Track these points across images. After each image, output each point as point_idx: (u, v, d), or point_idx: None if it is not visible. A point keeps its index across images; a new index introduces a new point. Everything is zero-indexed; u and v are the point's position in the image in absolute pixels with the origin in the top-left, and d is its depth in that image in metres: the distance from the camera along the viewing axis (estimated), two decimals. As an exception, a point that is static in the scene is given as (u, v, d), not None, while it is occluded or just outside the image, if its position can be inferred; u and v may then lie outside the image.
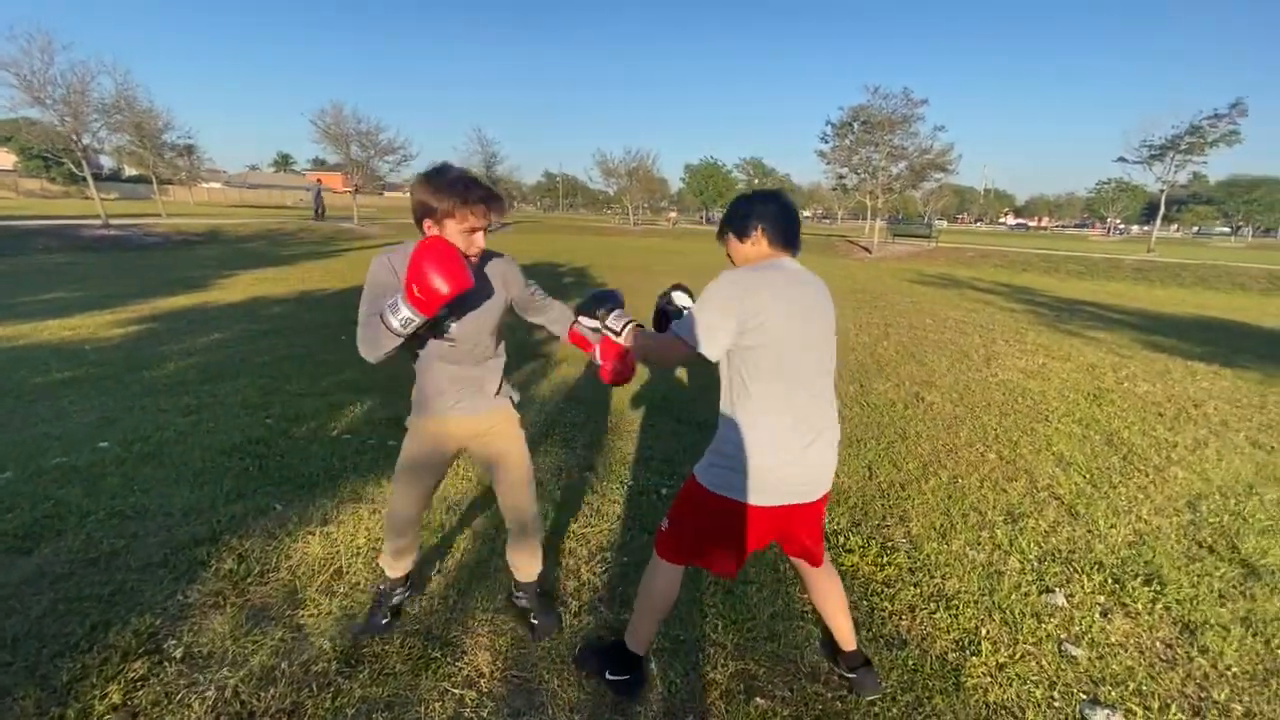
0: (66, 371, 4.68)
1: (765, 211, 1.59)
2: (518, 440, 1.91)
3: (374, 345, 1.54)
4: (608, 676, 1.80)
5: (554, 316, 1.97)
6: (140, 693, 1.72)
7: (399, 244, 1.58)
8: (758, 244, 1.59)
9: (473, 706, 1.72)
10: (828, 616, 1.84)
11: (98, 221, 16.79)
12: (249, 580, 2.23)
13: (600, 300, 1.82)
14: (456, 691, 1.78)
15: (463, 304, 1.64)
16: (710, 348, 1.48)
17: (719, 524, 1.58)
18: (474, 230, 1.55)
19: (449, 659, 1.90)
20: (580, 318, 1.84)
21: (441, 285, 1.40)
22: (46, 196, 41.24)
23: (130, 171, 43.34)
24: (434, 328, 1.65)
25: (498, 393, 1.86)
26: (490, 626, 2.06)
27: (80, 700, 1.68)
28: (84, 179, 17.64)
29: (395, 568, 2.01)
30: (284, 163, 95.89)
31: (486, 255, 1.69)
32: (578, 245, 22.91)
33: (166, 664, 1.83)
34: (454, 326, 1.67)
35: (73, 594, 2.12)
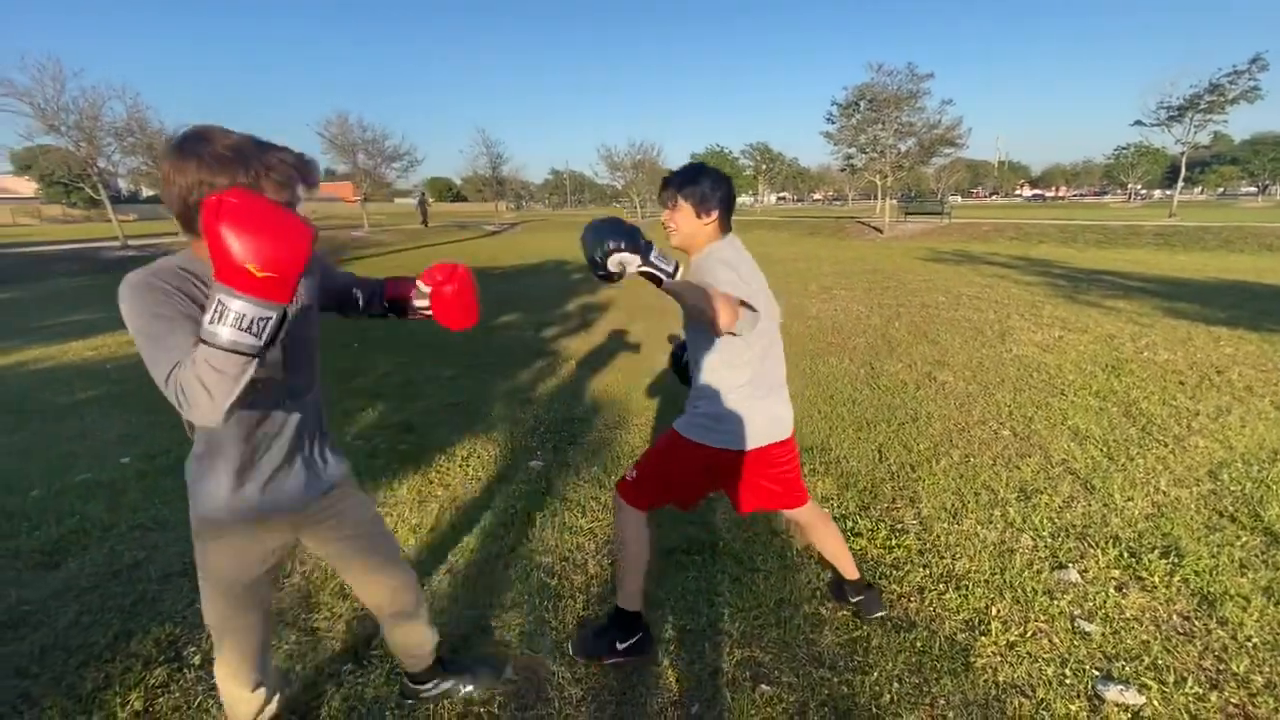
0: (90, 390, 4.82)
1: (725, 194, 1.65)
2: (368, 504, 1.50)
3: (214, 391, 0.92)
4: (618, 647, 1.84)
5: (362, 286, 1.49)
6: (161, 699, 1.78)
7: (163, 260, 1.12)
8: (711, 223, 1.66)
9: (482, 703, 1.75)
10: (829, 555, 2.01)
11: (117, 243, 17.18)
12: (264, 586, 2.28)
13: (623, 234, 1.44)
14: (467, 691, 1.80)
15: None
16: (757, 318, 1.56)
17: (695, 473, 1.77)
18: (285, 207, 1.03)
19: (460, 656, 1.92)
20: (610, 256, 1.43)
21: (292, 242, 0.89)
22: (68, 221, 42.26)
23: (147, 192, 44.17)
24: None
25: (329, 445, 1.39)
26: (499, 623, 2.08)
27: (104, 708, 1.74)
28: (102, 202, 18.05)
29: None
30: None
31: None
32: (587, 241, 22.89)
33: (186, 671, 1.88)
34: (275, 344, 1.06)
35: (97, 605, 2.19)
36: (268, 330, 0.91)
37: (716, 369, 1.68)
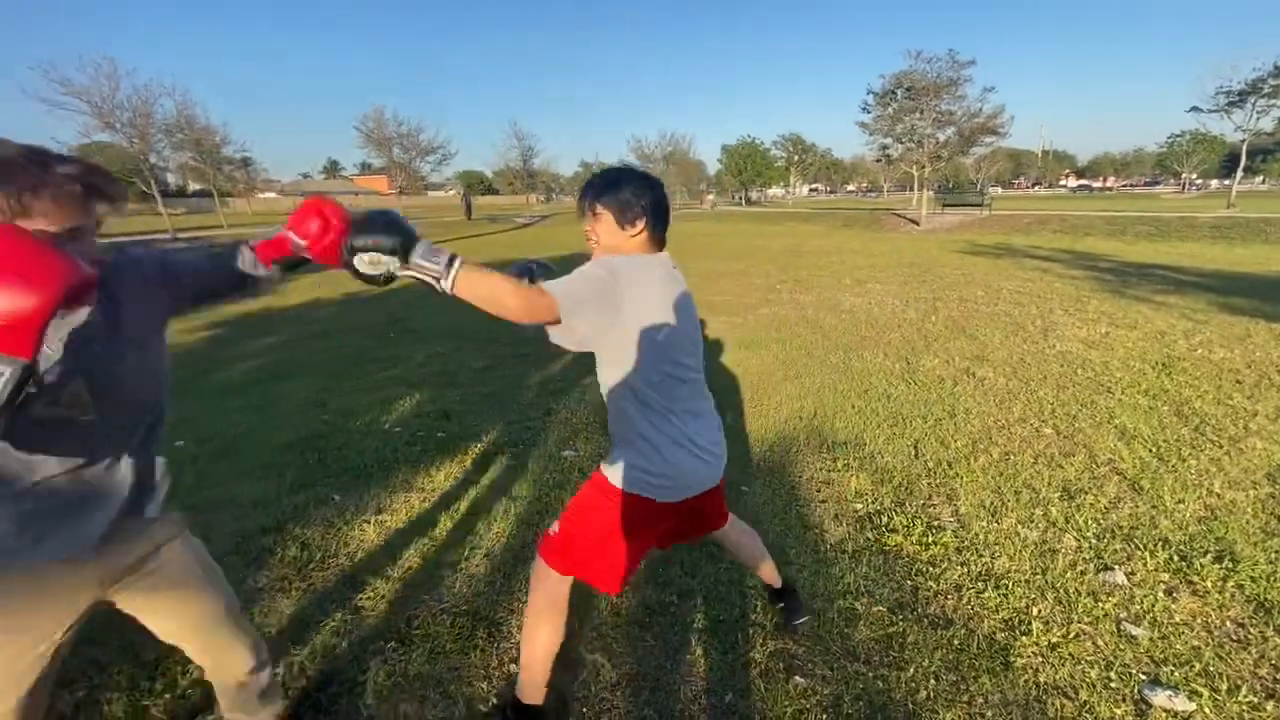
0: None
1: (653, 201, 1.42)
2: (201, 563, 1.30)
3: None
4: None
5: (238, 263, 1.23)
6: (217, 669, 1.86)
7: None
8: (637, 236, 1.43)
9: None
10: (749, 564, 1.93)
11: (167, 236, 17.88)
12: (311, 566, 2.37)
13: (379, 229, 1.12)
14: (504, 668, 1.85)
15: (89, 340, 0.98)
16: (570, 319, 1.27)
17: (626, 525, 1.46)
18: (73, 231, 0.91)
19: (496, 638, 1.98)
20: (357, 253, 1.12)
21: (34, 291, 0.72)
22: (121, 215, 43.93)
23: (194, 186, 45.77)
24: (47, 394, 0.94)
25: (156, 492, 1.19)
26: (535, 608, 2.13)
27: (167, 675, 1.83)
28: (153, 196, 18.79)
29: None
30: (333, 169, 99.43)
31: (116, 258, 1.08)
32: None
33: (240, 643, 1.97)
34: (84, 382, 0.98)
35: (156, 580, 2.30)
36: (5, 388, 0.74)
37: (617, 399, 1.44)
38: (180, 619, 1.26)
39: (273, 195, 63.87)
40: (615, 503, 1.47)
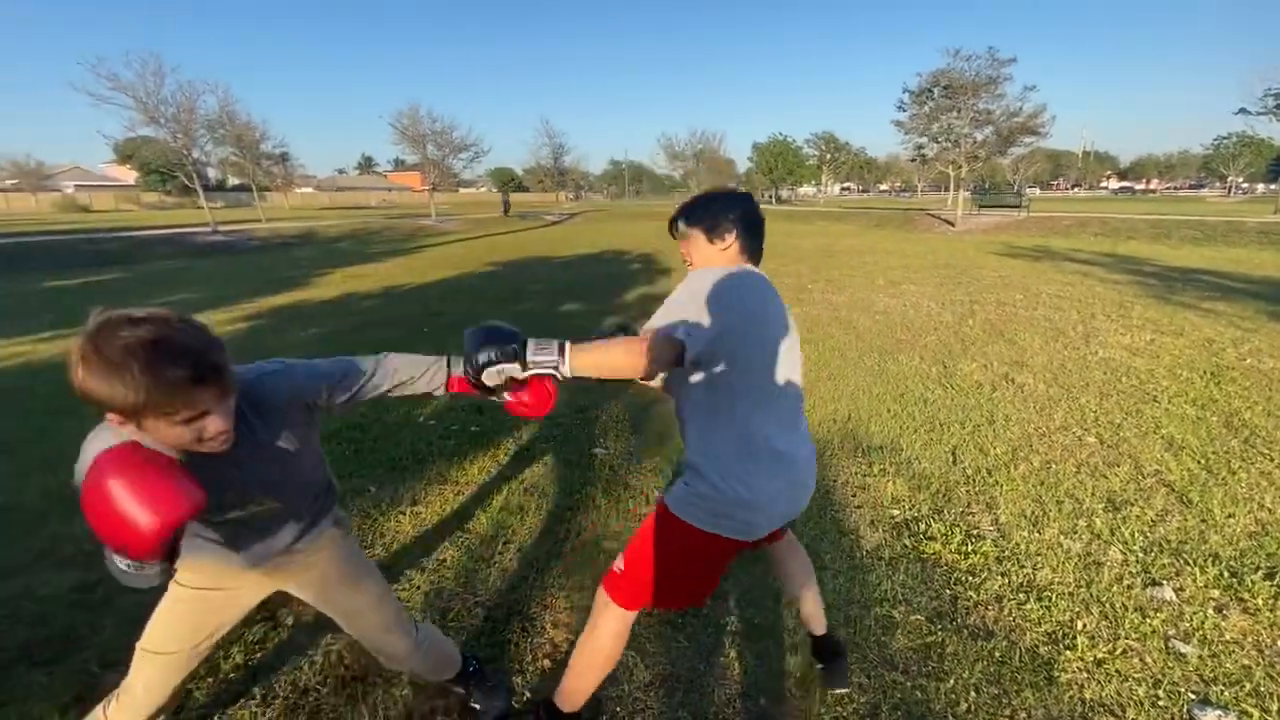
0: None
1: (742, 213, 1.41)
2: (353, 554, 1.46)
3: (136, 582, 1.00)
4: None
5: (405, 374, 1.36)
6: (259, 655, 1.92)
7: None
8: (728, 249, 1.41)
9: (551, 677, 1.81)
10: (793, 591, 1.70)
11: (208, 228, 18.39)
12: (349, 555, 2.42)
13: (495, 341, 1.20)
14: (537, 663, 1.87)
15: (240, 463, 1.10)
16: (694, 345, 1.19)
17: (697, 563, 1.39)
18: (194, 420, 0.95)
19: (529, 633, 1.99)
20: (483, 372, 1.19)
21: (140, 528, 0.86)
22: (163, 208, 45.55)
23: (233, 181, 47.06)
24: (214, 515, 1.16)
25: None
26: (567, 603, 2.14)
27: (209, 659, 1.88)
28: (195, 190, 19.35)
29: None
30: (367, 165, 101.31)
31: (252, 384, 1.13)
32: (643, 231, 22.92)
33: (280, 630, 2.02)
34: (240, 503, 1.16)
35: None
36: (148, 570, 0.98)
37: (700, 427, 1.33)
38: (335, 607, 1.43)
39: (309, 190, 65.34)
40: (678, 546, 1.36)
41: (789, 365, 1.34)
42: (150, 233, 18.42)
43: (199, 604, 1.27)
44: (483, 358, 1.18)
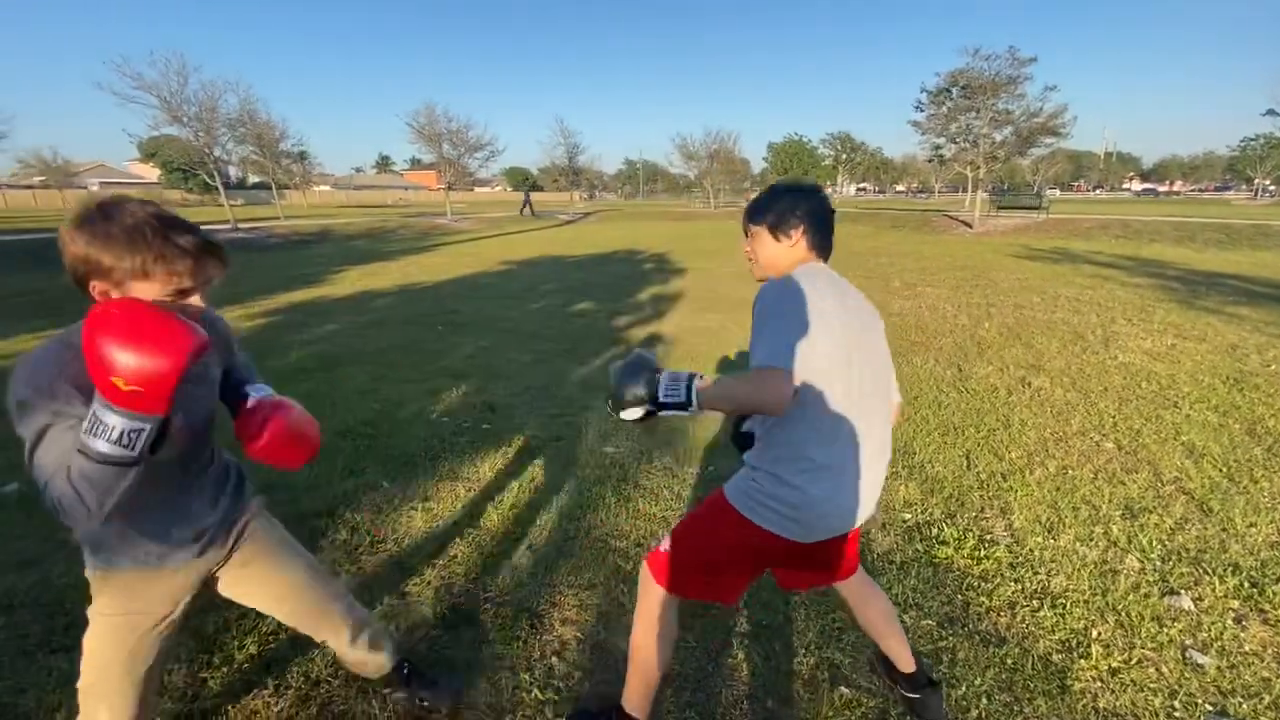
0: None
1: (810, 208, 1.36)
2: (281, 537, 1.44)
3: (96, 493, 0.93)
4: None
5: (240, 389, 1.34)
6: (272, 646, 1.94)
7: (42, 348, 1.02)
8: (796, 246, 1.37)
9: (559, 675, 1.82)
10: (877, 636, 1.61)
11: (228, 226, 18.64)
12: (360, 550, 2.45)
13: (638, 380, 1.24)
14: (546, 660, 1.88)
15: (193, 390, 1.16)
16: (801, 366, 1.18)
17: (743, 557, 1.39)
18: (185, 293, 1.03)
19: (538, 630, 2.00)
20: (624, 411, 1.25)
21: (165, 357, 0.88)
22: (186, 205, 46.19)
23: (253, 179, 47.69)
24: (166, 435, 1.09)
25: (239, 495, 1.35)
26: (575, 601, 2.15)
27: (224, 650, 1.92)
28: (216, 188, 19.65)
29: None
30: (384, 164, 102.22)
31: (207, 313, 1.13)
32: (657, 231, 22.92)
33: (295, 621, 2.05)
34: (188, 427, 1.15)
35: (218, 556, 2.41)
36: (141, 442, 0.91)
37: (774, 431, 1.31)
38: (267, 590, 1.39)
39: (326, 188, 66.10)
40: (725, 538, 1.37)
41: (850, 372, 1.26)
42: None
43: (125, 630, 1.19)
44: (628, 395, 1.23)
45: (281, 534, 1.44)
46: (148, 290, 0.99)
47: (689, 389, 1.19)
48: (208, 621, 2.04)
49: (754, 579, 1.48)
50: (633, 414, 1.24)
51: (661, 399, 1.21)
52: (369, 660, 1.57)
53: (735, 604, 1.46)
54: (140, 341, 0.87)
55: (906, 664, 1.61)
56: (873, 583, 1.63)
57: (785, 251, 1.38)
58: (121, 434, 0.89)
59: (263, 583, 1.38)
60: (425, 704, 1.66)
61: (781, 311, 1.22)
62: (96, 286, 0.98)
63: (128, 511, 1.11)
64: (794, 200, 1.37)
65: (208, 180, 19.80)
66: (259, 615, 2.04)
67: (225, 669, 1.85)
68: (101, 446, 0.89)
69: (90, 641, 1.18)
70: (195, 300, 1.05)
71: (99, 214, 0.97)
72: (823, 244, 1.40)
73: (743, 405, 1.22)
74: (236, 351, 1.37)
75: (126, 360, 0.86)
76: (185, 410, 1.13)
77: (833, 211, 1.42)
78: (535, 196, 33.13)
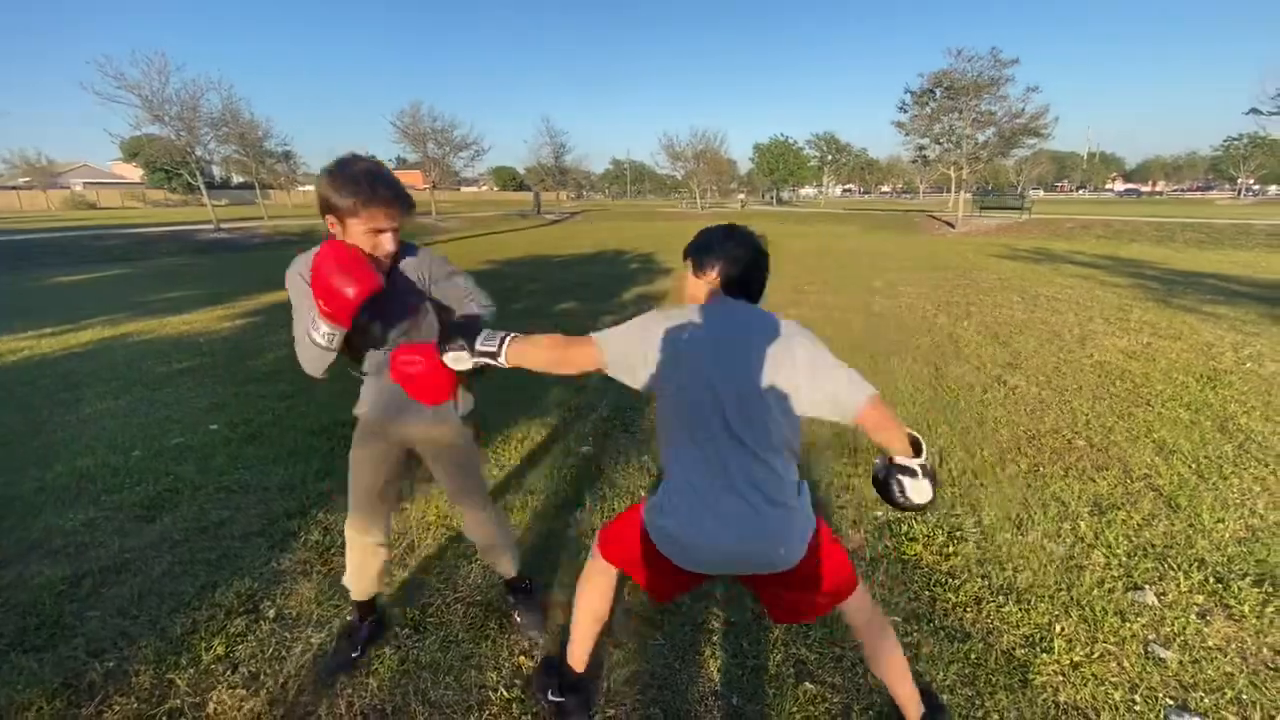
0: (185, 362, 5.22)
1: (729, 251, 1.39)
2: (464, 452, 1.83)
3: (314, 364, 1.48)
4: (549, 697, 1.67)
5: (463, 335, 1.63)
6: (240, 647, 1.92)
7: (308, 251, 1.47)
8: (710, 282, 1.40)
9: (528, 673, 1.81)
10: (887, 680, 1.54)
11: (210, 226, 18.45)
12: (332, 551, 2.43)
13: (470, 329, 1.47)
14: (513, 660, 1.87)
15: (385, 308, 1.54)
16: (612, 361, 1.39)
17: (651, 564, 1.45)
18: (380, 232, 1.43)
19: (507, 629, 2.00)
20: (451, 354, 1.45)
21: (345, 291, 1.31)
22: (169, 205, 45.74)
23: (237, 179, 47.20)
24: (365, 336, 1.58)
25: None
26: (545, 600, 2.14)
27: (191, 650, 1.90)
28: (199, 188, 19.41)
29: (358, 587, 1.89)
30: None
31: (404, 250, 1.57)
32: (644, 231, 22.93)
33: (262, 622, 2.03)
34: (382, 332, 1.58)
35: (186, 558, 2.39)
36: (336, 341, 1.44)
37: (661, 451, 1.43)
38: (443, 481, 1.86)
39: (311, 188, 65.44)
40: (638, 534, 1.46)
41: (704, 404, 1.29)
42: (154, 229, 18.48)
43: (367, 453, 1.75)
44: (445, 345, 1.46)
45: (468, 458, 1.87)
46: (356, 225, 1.39)
47: (502, 341, 1.43)
48: (176, 622, 2.02)
49: (681, 588, 1.52)
50: (459, 361, 1.45)
51: (479, 346, 1.43)
52: (500, 552, 1.99)
53: (666, 603, 1.65)
54: (330, 282, 1.31)
55: (914, 712, 1.55)
56: (877, 617, 1.54)
57: (700, 286, 1.43)
58: (324, 334, 1.41)
59: (439, 474, 1.85)
60: (519, 620, 2.01)
61: (643, 324, 1.39)
62: (329, 219, 1.42)
63: (368, 387, 1.76)
64: (718, 241, 1.42)
65: (190, 180, 19.56)
66: (226, 616, 2.04)
67: (192, 669, 1.83)
68: (316, 338, 1.43)
69: (353, 447, 1.80)
70: (387, 240, 1.44)
71: (336, 166, 1.38)
72: (739, 280, 1.40)
73: (544, 364, 1.43)
74: (443, 281, 1.67)
75: (324, 293, 1.32)
76: (382, 319, 1.57)
77: (763, 254, 1.44)
78: (524, 196, 32.97)
